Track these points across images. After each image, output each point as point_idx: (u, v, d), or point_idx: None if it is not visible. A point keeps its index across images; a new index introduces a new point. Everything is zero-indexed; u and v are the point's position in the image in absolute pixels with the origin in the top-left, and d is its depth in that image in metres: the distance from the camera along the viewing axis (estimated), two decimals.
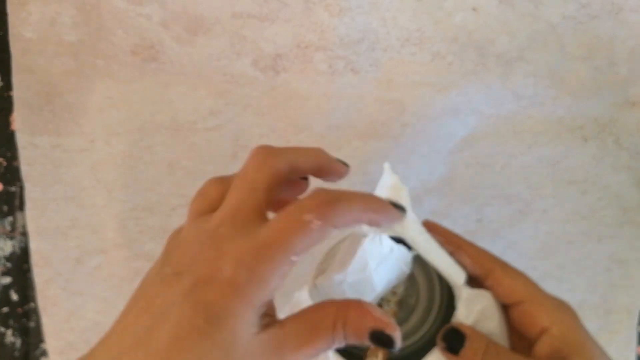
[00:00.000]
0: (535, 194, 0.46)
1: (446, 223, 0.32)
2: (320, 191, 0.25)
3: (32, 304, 0.46)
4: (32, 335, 0.46)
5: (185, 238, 0.26)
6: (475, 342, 0.28)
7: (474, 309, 0.29)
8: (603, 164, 0.45)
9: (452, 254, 0.31)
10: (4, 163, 0.46)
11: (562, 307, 0.29)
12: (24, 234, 0.46)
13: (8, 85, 0.44)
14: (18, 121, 0.44)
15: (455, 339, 0.28)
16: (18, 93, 0.44)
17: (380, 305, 0.32)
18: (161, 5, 0.43)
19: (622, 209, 0.46)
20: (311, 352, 0.24)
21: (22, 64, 0.44)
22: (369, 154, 0.45)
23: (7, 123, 0.45)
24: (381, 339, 0.25)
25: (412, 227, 0.30)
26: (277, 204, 0.27)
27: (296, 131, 0.45)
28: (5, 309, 0.46)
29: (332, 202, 0.25)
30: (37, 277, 0.46)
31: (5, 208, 0.46)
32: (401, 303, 0.32)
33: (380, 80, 0.44)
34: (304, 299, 0.30)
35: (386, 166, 0.31)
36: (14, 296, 0.47)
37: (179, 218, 0.41)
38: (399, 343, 0.26)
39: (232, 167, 0.34)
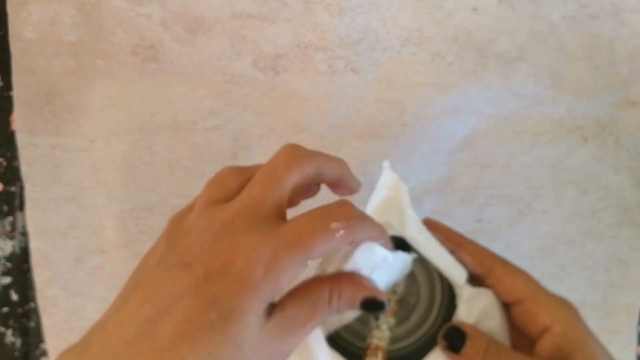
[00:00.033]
0: (535, 194, 0.46)
1: (446, 223, 0.32)
2: (347, 203, 0.26)
3: (32, 304, 0.46)
4: (32, 335, 0.46)
5: (195, 226, 0.25)
6: (476, 341, 0.28)
7: (475, 308, 0.29)
8: (603, 164, 0.45)
9: (452, 252, 0.31)
10: (4, 163, 0.46)
11: (563, 305, 0.29)
12: (24, 234, 0.46)
13: (8, 85, 0.44)
14: (18, 121, 0.44)
15: (456, 338, 0.29)
16: (18, 93, 0.44)
17: None
18: (161, 5, 0.43)
19: (622, 209, 0.46)
20: (311, 327, 0.25)
21: (22, 64, 0.44)
22: (369, 154, 0.45)
23: (7, 123, 0.45)
24: (372, 305, 0.26)
25: (412, 226, 0.30)
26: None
27: (296, 131, 0.45)
28: (5, 309, 0.46)
29: (360, 218, 0.26)
30: (37, 277, 0.46)
31: (5, 208, 0.46)
32: (401, 302, 0.32)
33: (380, 80, 0.44)
34: None
35: (385, 165, 0.31)
36: (14, 296, 0.47)
37: None
38: (387, 308, 0.27)
39: None
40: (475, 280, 0.31)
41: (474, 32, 0.43)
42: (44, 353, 0.46)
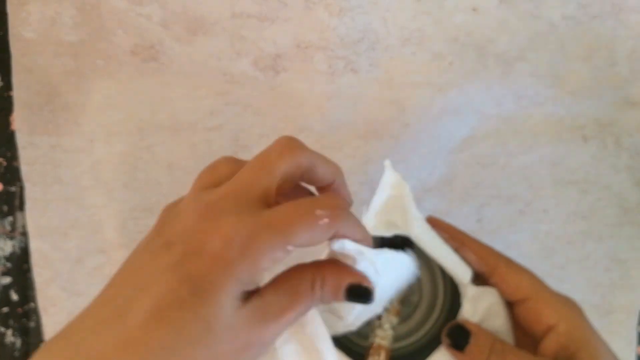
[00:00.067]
0: (535, 194, 0.46)
1: None
2: (337, 195, 0.26)
3: (32, 304, 0.46)
4: (32, 335, 0.46)
5: (183, 210, 0.25)
6: (480, 339, 0.28)
7: (480, 307, 0.29)
8: (603, 164, 0.45)
9: (456, 250, 0.31)
10: (4, 163, 0.46)
11: (568, 304, 0.29)
12: (24, 234, 0.46)
13: (8, 85, 0.44)
14: (18, 121, 0.44)
15: (460, 336, 0.28)
16: (18, 93, 0.44)
17: None
18: (161, 5, 0.43)
19: (622, 209, 0.46)
20: (293, 316, 0.24)
21: (22, 64, 0.44)
22: (369, 154, 0.45)
23: (7, 123, 0.45)
24: (358, 293, 0.25)
25: (416, 225, 0.30)
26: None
27: (296, 131, 0.45)
28: (5, 309, 0.46)
29: (346, 211, 0.25)
30: (37, 277, 0.46)
31: (5, 208, 0.46)
32: (404, 300, 0.32)
33: (380, 80, 0.44)
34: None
35: (387, 163, 0.30)
36: (14, 296, 0.47)
37: None
38: (374, 297, 0.26)
39: None
40: (478, 278, 0.31)
41: (474, 32, 0.43)
42: None
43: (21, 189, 0.45)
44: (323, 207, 0.24)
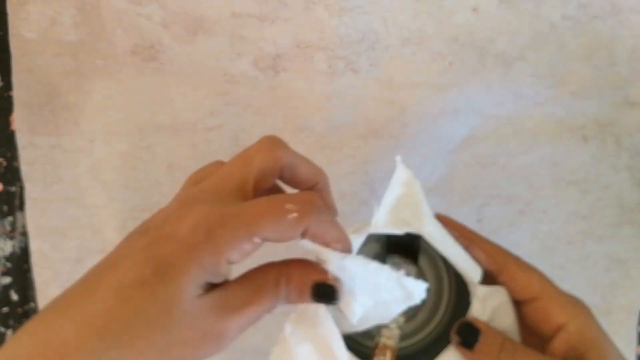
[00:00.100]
0: (535, 194, 0.46)
1: None
2: (312, 193, 0.26)
3: (32, 304, 0.46)
4: None
5: (169, 203, 0.26)
6: (490, 338, 0.28)
7: (488, 306, 0.29)
8: (603, 164, 0.45)
9: (465, 248, 0.31)
10: (4, 163, 0.46)
11: (578, 304, 0.29)
12: (24, 234, 0.46)
13: (8, 85, 0.44)
14: (18, 121, 0.44)
15: (469, 334, 0.28)
16: (18, 93, 0.44)
17: None
18: (161, 5, 0.43)
19: (622, 209, 0.46)
20: (255, 311, 0.24)
21: (22, 64, 0.44)
22: (369, 154, 0.45)
23: (7, 123, 0.45)
24: (322, 291, 0.25)
25: (428, 222, 0.30)
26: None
27: (296, 131, 0.45)
28: (5, 309, 0.46)
29: (318, 208, 0.25)
30: (37, 277, 0.46)
31: (5, 208, 0.46)
32: None
33: (380, 80, 0.44)
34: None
35: (398, 159, 0.30)
36: (14, 296, 0.47)
37: None
38: (339, 296, 0.25)
39: None
40: (486, 277, 0.30)
41: (474, 32, 0.43)
42: None
43: (21, 189, 0.45)
44: (293, 202, 0.24)
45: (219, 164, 0.28)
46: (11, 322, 0.46)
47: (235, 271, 0.26)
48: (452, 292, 0.32)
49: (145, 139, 0.45)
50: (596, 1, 0.42)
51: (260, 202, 0.24)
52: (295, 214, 0.24)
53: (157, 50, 0.44)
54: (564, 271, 0.46)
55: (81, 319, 0.22)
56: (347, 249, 0.26)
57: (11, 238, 0.46)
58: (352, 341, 0.30)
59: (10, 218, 0.46)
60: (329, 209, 0.29)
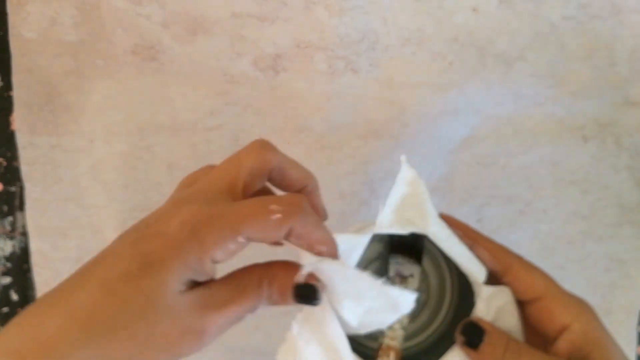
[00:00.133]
0: (535, 194, 0.46)
1: None
2: (299, 195, 0.26)
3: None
4: None
5: (163, 204, 0.27)
6: (495, 338, 0.28)
7: (493, 306, 0.29)
8: (603, 164, 0.45)
9: (469, 247, 0.30)
10: (4, 163, 0.46)
11: (582, 305, 0.29)
12: (24, 234, 0.46)
13: (8, 85, 0.44)
14: (18, 121, 0.44)
15: (474, 334, 0.28)
16: (18, 93, 0.44)
17: None
18: (161, 5, 0.43)
19: (622, 209, 0.46)
20: (237, 310, 0.25)
21: (22, 64, 0.44)
22: (369, 154, 0.45)
23: (7, 123, 0.45)
24: (303, 292, 0.25)
25: (433, 222, 0.29)
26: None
27: (296, 131, 0.45)
28: (5, 309, 0.46)
29: (303, 210, 0.25)
30: (37, 277, 0.46)
31: (5, 208, 0.46)
32: None
33: (380, 80, 0.44)
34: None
35: (403, 159, 0.30)
36: (14, 296, 0.47)
37: None
38: (320, 297, 0.25)
39: None
40: (490, 277, 0.30)
41: (474, 32, 0.43)
42: None
43: (21, 189, 0.45)
44: (278, 203, 0.24)
45: (210, 167, 0.29)
46: None
47: (224, 272, 0.26)
48: (455, 292, 0.32)
49: (145, 139, 0.45)
50: (596, 1, 0.42)
51: (246, 203, 0.25)
52: (279, 215, 0.24)
53: (157, 50, 0.44)
54: (564, 271, 0.46)
55: (67, 310, 0.23)
56: (332, 252, 0.26)
57: (11, 238, 0.46)
58: (356, 342, 0.30)
59: (10, 218, 0.46)
60: (317, 212, 0.29)
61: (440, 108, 0.44)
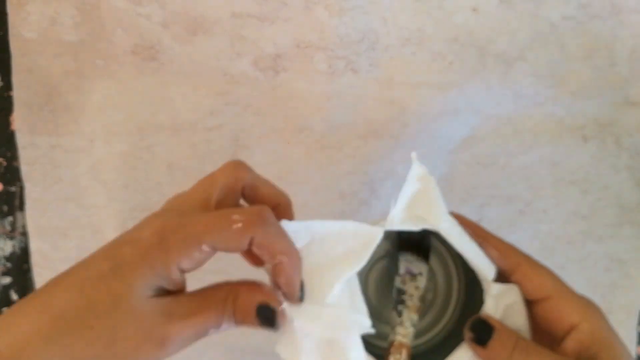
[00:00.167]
0: (535, 194, 0.46)
1: None
2: (262, 207, 0.27)
3: None
4: None
5: None
6: (504, 335, 0.28)
7: (501, 304, 0.29)
8: (603, 164, 0.45)
9: (479, 246, 0.30)
10: (4, 163, 0.46)
11: (590, 305, 0.29)
12: (24, 234, 0.46)
13: (8, 85, 0.44)
14: (18, 121, 0.44)
15: (483, 331, 0.28)
16: (18, 93, 0.44)
17: (402, 300, 0.31)
18: (161, 5, 0.43)
19: (622, 209, 0.46)
20: (198, 322, 0.26)
21: (22, 64, 0.44)
22: (369, 154, 0.45)
23: (7, 123, 0.45)
24: (264, 314, 0.26)
25: (445, 219, 0.30)
26: None
27: (296, 131, 0.45)
28: (5, 309, 0.46)
29: (265, 220, 0.26)
30: (37, 277, 0.46)
31: (5, 208, 0.46)
32: (422, 298, 0.32)
33: (380, 80, 0.44)
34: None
35: (413, 156, 0.30)
36: (14, 296, 0.47)
37: None
38: (280, 320, 0.26)
39: None
40: (499, 275, 0.30)
41: (474, 32, 0.43)
42: None
43: (21, 189, 0.45)
44: (240, 214, 0.26)
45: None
46: None
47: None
48: (462, 290, 0.32)
49: (145, 139, 0.45)
50: (596, 1, 0.42)
51: (211, 213, 0.26)
52: (240, 224, 0.25)
53: (157, 50, 0.44)
54: (564, 271, 0.46)
55: (42, 309, 0.24)
56: (294, 262, 0.27)
57: (11, 238, 0.46)
58: (365, 342, 0.30)
59: (10, 218, 0.46)
60: (280, 227, 0.29)
61: (440, 108, 0.44)
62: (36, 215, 0.45)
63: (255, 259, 0.29)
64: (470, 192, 0.46)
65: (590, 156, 0.45)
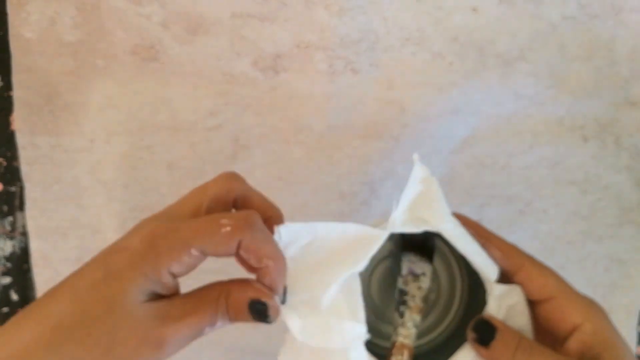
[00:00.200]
0: (535, 194, 0.46)
1: None
2: (250, 211, 0.27)
3: None
4: None
5: None
6: (506, 336, 0.28)
7: (504, 304, 0.29)
8: (603, 164, 0.45)
9: (482, 246, 0.30)
10: (4, 163, 0.46)
11: (593, 305, 0.29)
12: (24, 234, 0.46)
13: (8, 85, 0.44)
14: (18, 121, 0.44)
15: (486, 331, 0.28)
16: (18, 93, 0.44)
17: (404, 301, 0.31)
18: (161, 5, 0.43)
19: (622, 209, 0.46)
20: (194, 322, 0.26)
21: (22, 64, 0.44)
22: (369, 154, 0.45)
23: (7, 123, 0.45)
24: (257, 308, 0.27)
25: (447, 219, 0.29)
26: None
27: (296, 131, 0.45)
28: (5, 309, 0.46)
29: (252, 225, 0.27)
30: (37, 277, 0.46)
31: (5, 208, 0.46)
32: (425, 298, 0.32)
33: (380, 80, 0.44)
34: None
35: (416, 157, 0.30)
36: (14, 296, 0.47)
37: None
38: (273, 314, 0.27)
39: (232, 167, 0.34)
40: (501, 276, 0.30)
41: (474, 32, 0.43)
42: None
43: (21, 189, 0.45)
44: (228, 218, 0.26)
45: None
46: None
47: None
48: (465, 290, 0.32)
49: (145, 139, 0.45)
50: (596, 1, 0.42)
51: (201, 219, 0.27)
52: (228, 228, 0.26)
53: (157, 50, 0.44)
54: (564, 271, 0.46)
55: (41, 318, 0.25)
56: (279, 266, 0.27)
57: (11, 238, 0.46)
58: (367, 342, 0.30)
59: (10, 218, 0.46)
60: (269, 232, 0.30)
61: (440, 108, 0.44)
62: (36, 215, 0.45)
63: (250, 265, 0.29)
64: (470, 192, 0.46)
65: (590, 156, 0.45)
